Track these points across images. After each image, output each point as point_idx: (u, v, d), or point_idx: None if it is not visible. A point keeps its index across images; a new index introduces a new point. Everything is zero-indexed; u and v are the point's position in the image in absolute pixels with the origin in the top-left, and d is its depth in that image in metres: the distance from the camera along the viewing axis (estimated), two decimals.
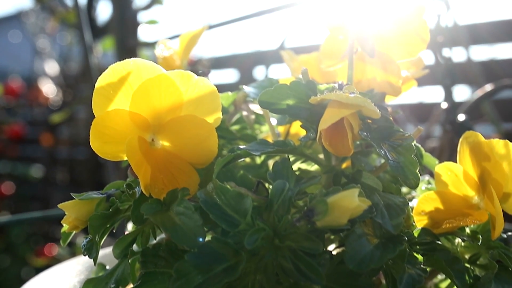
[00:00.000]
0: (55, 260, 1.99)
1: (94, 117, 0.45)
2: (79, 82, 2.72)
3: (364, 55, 0.57)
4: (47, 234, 2.78)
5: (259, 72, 2.07)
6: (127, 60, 0.46)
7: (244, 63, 2.08)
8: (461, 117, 0.78)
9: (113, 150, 0.47)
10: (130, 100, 0.46)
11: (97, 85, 0.46)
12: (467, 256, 0.49)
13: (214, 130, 0.48)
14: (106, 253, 0.63)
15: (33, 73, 3.32)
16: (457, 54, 1.30)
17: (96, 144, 0.46)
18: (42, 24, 3.13)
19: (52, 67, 2.98)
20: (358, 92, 0.47)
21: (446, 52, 0.84)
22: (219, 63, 2.20)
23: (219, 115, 0.49)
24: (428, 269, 0.46)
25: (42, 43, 3.05)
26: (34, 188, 3.24)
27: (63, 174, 3.05)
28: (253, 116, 0.59)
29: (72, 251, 1.90)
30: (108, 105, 0.46)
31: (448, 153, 0.81)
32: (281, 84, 0.49)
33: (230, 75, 2.23)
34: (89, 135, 0.45)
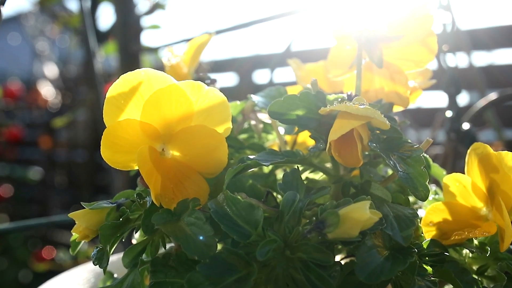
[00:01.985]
0: (56, 265, 1.98)
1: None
2: (78, 85, 2.71)
3: (371, 65, 0.58)
4: (45, 236, 2.77)
5: (258, 76, 2.07)
6: (138, 70, 0.46)
7: (244, 67, 2.08)
8: (466, 125, 0.79)
9: (123, 160, 0.47)
10: (141, 110, 0.46)
11: (108, 95, 0.46)
12: (475, 267, 0.49)
13: (224, 140, 0.48)
14: (113, 260, 0.63)
15: (32, 75, 3.32)
16: (459, 59, 1.31)
17: (107, 153, 0.46)
18: (42, 26, 3.12)
19: (51, 69, 2.97)
20: (367, 103, 0.48)
21: (450, 59, 0.85)
22: (218, 66, 2.20)
23: (229, 125, 0.49)
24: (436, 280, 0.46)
25: (42, 45, 3.05)
26: (32, 191, 3.23)
27: (62, 177, 3.04)
28: (261, 125, 0.59)
29: (73, 255, 1.89)
30: (119, 115, 0.46)
31: (451, 161, 0.81)
32: (291, 94, 0.49)
33: (229, 79, 2.24)
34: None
